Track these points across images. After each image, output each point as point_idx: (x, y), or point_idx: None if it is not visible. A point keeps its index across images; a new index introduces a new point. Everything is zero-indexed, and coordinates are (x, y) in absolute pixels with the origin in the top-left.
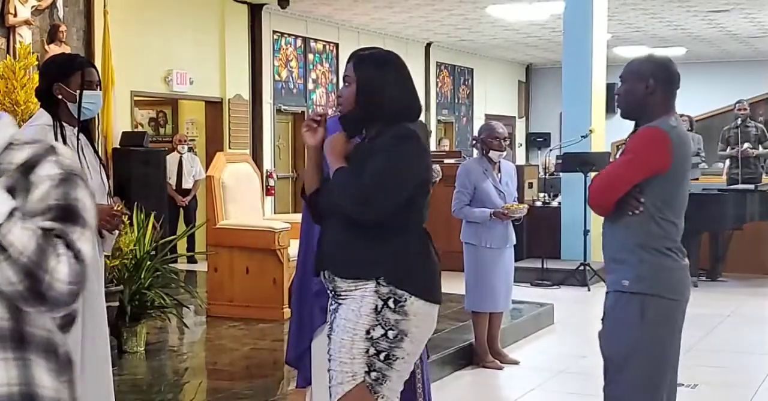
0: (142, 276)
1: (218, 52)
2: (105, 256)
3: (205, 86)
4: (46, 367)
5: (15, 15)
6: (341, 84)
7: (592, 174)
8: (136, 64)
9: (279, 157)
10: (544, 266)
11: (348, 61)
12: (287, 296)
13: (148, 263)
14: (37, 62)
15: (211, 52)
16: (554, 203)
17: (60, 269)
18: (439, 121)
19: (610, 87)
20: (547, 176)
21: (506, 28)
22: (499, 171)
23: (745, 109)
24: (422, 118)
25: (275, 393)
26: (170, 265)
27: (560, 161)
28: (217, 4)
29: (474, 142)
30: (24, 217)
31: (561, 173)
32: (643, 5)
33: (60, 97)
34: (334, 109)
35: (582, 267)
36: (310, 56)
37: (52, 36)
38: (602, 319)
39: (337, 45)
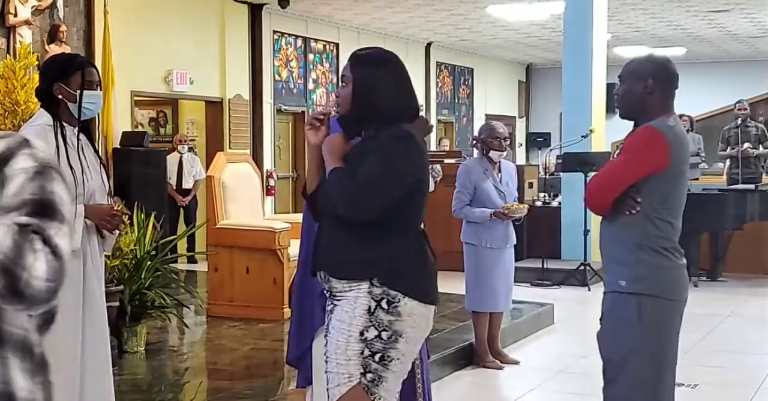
0: (143, 276)
1: (218, 52)
2: (105, 256)
3: (205, 86)
4: (20, 367)
5: (15, 15)
6: (341, 84)
7: (592, 174)
8: (137, 64)
9: (279, 157)
10: (544, 266)
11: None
12: (287, 296)
13: (149, 263)
14: (37, 62)
15: (211, 52)
16: (554, 203)
17: (37, 266)
18: (439, 121)
19: (610, 87)
20: (547, 176)
21: (506, 28)
22: (500, 171)
23: (745, 109)
24: None
25: (275, 393)
26: (170, 265)
27: (560, 161)
28: (217, 4)
29: (474, 142)
30: None
31: (561, 173)
32: (643, 5)
33: (60, 97)
34: (336, 108)
35: (582, 267)
36: (311, 56)
37: (53, 36)
38: (600, 320)
39: (337, 45)
